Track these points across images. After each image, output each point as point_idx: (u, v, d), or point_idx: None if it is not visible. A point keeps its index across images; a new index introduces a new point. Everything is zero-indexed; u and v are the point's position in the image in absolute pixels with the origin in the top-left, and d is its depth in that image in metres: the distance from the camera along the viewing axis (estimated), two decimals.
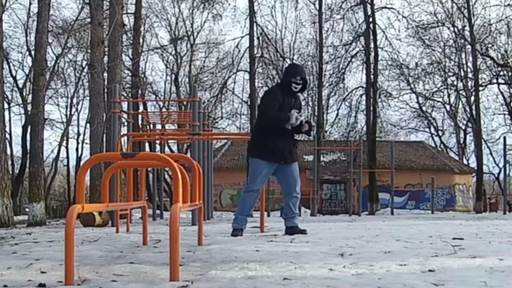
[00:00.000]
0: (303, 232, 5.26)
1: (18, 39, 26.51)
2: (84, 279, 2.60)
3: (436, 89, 31.45)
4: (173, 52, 31.38)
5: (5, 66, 21.60)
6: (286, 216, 5.47)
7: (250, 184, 5.41)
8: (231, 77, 28.08)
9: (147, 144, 20.56)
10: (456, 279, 2.48)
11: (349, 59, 25.07)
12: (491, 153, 31.34)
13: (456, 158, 33.58)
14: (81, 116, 29.33)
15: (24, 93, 24.91)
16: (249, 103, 26.42)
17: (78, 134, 29.82)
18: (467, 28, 25.73)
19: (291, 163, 5.44)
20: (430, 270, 2.77)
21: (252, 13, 23.98)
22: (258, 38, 24.35)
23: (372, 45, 23.79)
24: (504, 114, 30.55)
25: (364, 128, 24.66)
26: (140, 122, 19.02)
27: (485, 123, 30.18)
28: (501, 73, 27.67)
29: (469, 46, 26.53)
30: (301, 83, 5.43)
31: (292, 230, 5.31)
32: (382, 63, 25.58)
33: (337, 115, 26.26)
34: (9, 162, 18.96)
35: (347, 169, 22.71)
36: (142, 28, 24.70)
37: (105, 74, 15.65)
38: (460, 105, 32.70)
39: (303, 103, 20.24)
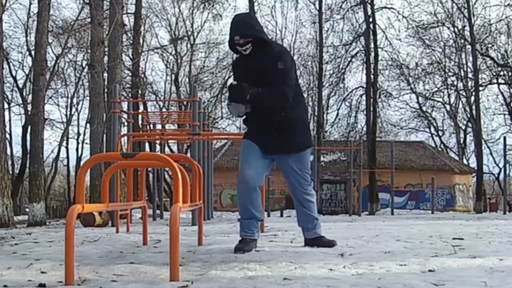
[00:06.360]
0: (330, 244, 3.92)
1: (18, 39, 26.53)
2: (84, 279, 2.60)
3: (436, 89, 31.54)
4: (173, 52, 31.41)
5: (5, 66, 21.60)
6: (303, 225, 4.08)
7: (238, 172, 3.90)
8: (231, 77, 28.02)
9: (147, 144, 20.56)
10: (456, 279, 2.48)
11: (349, 59, 25.09)
12: (491, 153, 31.40)
13: (456, 158, 33.60)
14: (81, 116, 29.36)
15: (24, 93, 24.91)
16: None
17: (78, 134, 29.83)
18: (467, 28, 25.73)
19: (287, 154, 3.94)
20: (430, 270, 2.76)
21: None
22: None
23: (372, 45, 23.79)
24: (504, 114, 30.58)
25: (364, 128, 24.67)
26: (140, 122, 19.03)
27: (485, 123, 30.24)
28: (501, 73, 27.67)
29: (469, 46, 26.54)
30: (249, 41, 3.83)
31: (314, 242, 3.98)
32: (382, 63, 25.61)
33: (337, 115, 26.29)
34: (9, 162, 18.96)
35: (347, 169, 22.72)
36: (142, 28, 24.70)
37: (105, 74, 15.66)
38: (460, 105, 32.79)
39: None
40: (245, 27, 3.85)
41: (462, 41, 27.60)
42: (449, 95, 33.08)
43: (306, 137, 4.07)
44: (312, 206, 4.04)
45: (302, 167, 3.97)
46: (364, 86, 24.74)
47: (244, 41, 3.82)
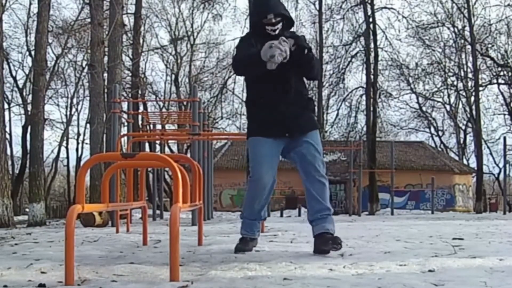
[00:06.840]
0: (336, 244, 3.42)
1: (18, 39, 26.55)
2: (84, 279, 2.60)
3: (436, 89, 31.56)
4: (173, 52, 31.43)
5: (5, 66, 21.61)
6: (312, 217, 3.58)
7: (251, 172, 3.67)
8: (231, 77, 28.06)
9: (147, 144, 20.55)
10: (456, 279, 2.48)
11: (349, 59, 25.11)
12: (491, 153, 31.43)
13: (456, 158, 33.60)
14: (81, 116, 29.40)
15: (24, 93, 24.92)
16: None
17: (78, 134, 29.84)
18: (467, 28, 25.76)
19: (302, 135, 3.64)
20: (430, 270, 2.76)
21: None
22: None
23: (372, 45, 23.80)
24: (504, 114, 30.60)
25: (364, 128, 24.69)
26: (140, 122, 19.03)
27: (485, 123, 30.28)
28: (501, 73, 27.70)
29: (469, 46, 26.57)
30: (279, 21, 3.58)
31: (322, 241, 3.47)
32: (382, 63, 25.64)
33: (337, 115, 26.30)
34: (9, 162, 18.96)
35: (347, 169, 22.71)
36: (142, 28, 24.71)
37: (105, 74, 15.66)
38: (460, 105, 32.81)
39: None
40: (278, 5, 3.64)
41: (462, 41, 27.63)
42: (449, 95, 33.13)
43: (315, 119, 3.92)
44: (325, 191, 3.59)
45: (315, 143, 3.67)
46: (364, 86, 24.75)
47: (276, 20, 3.57)
